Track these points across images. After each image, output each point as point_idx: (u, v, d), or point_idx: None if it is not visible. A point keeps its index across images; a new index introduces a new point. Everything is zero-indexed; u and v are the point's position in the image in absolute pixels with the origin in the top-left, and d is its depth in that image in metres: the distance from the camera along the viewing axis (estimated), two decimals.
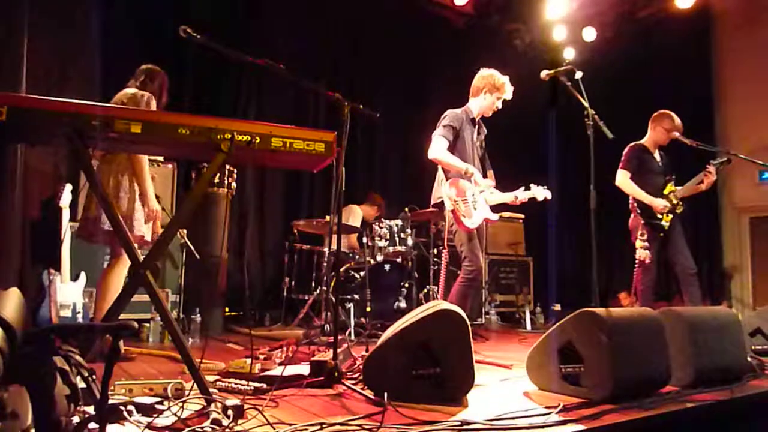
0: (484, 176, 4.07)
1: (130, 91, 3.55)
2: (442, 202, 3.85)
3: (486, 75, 4.03)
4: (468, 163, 3.89)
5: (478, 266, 3.77)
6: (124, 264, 3.43)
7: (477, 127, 4.10)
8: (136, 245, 2.31)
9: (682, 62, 7.09)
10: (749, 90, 6.84)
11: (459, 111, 4.01)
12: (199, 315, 4.35)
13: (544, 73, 3.57)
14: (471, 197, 3.84)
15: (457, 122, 3.92)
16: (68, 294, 3.86)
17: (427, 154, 3.90)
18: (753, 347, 3.32)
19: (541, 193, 4.16)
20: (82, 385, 1.58)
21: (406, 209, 5.20)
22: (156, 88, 3.67)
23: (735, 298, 6.73)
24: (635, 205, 4.50)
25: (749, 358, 2.97)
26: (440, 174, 3.99)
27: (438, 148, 3.83)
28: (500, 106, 4.07)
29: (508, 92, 4.02)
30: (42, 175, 4.46)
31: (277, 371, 2.68)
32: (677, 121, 4.55)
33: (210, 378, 2.55)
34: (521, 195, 4.09)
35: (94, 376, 1.65)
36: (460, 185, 3.85)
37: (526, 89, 4.35)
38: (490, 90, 3.98)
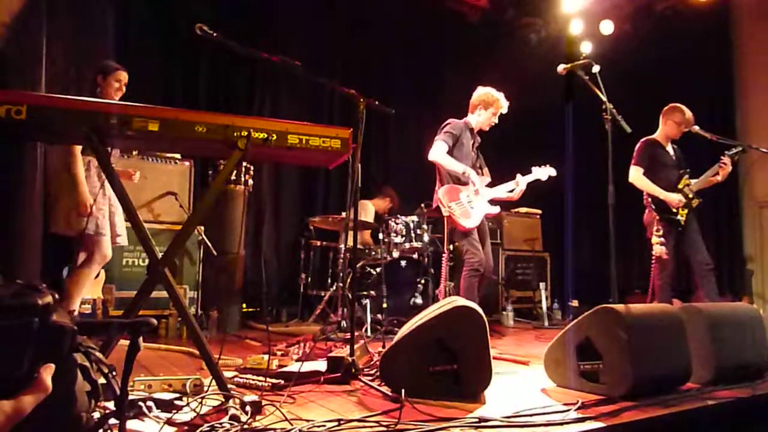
0: (481, 175, 4.30)
1: None
2: (440, 207, 4.09)
3: (481, 93, 4.33)
4: (466, 164, 4.14)
5: (479, 257, 3.98)
6: (97, 265, 3.54)
7: (474, 137, 4.36)
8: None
9: (701, 56, 6.97)
10: None
11: (460, 121, 4.29)
12: (216, 311, 4.38)
13: (561, 67, 3.54)
14: (466, 198, 4.07)
15: (458, 130, 4.20)
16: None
17: (428, 156, 4.15)
18: None
19: (544, 172, 4.41)
20: (102, 381, 1.60)
21: (422, 205, 5.19)
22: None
23: (756, 293, 6.62)
24: (650, 200, 4.44)
25: None
26: (438, 180, 4.24)
27: (438, 151, 4.09)
28: (496, 121, 4.34)
29: (504, 107, 4.30)
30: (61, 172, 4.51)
31: (294, 367, 2.69)
32: (688, 114, 4.49)
33: (228, 374, 2.57)
34: (522, 182, 4.30)
35: (114, 373, 1.66)
36: (452, 191, 4.09)
37: (543, 83, 4.35)
38: (485, 106, 4.27)
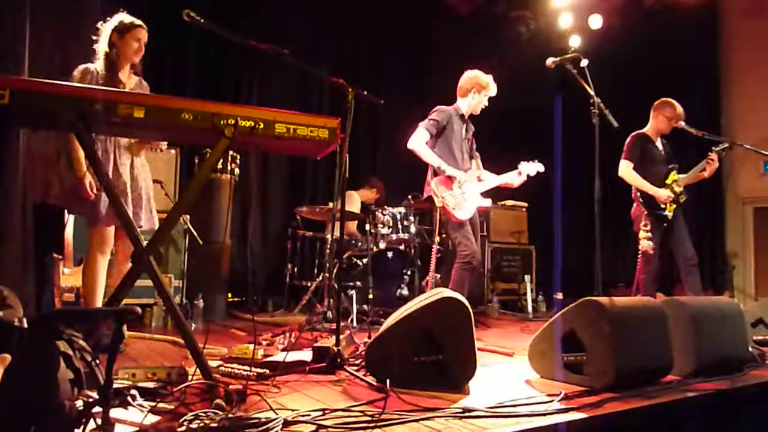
0: (470, 166, 4.26)
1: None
2: (432, 197, 4.05)
3: (472, 76, 4.24)
4: (455, 156, 4.12)
5: (472, 250, 3.95)
6: (98, 255, 3.12)
7: (465, 124, 4.30)
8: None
9: (689, 51, 7.02)
10: (756, 79, 6.79)
11: (449, 107, 4.23)
12: (202, 300, 4.36)
13: (549, 61, 3.55)
14: (458, 189, 4.02)
15: (445, 118, 4.14)
16: (72, 279, 3.87)
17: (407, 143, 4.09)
18: (754, 338, 3.32)
19: (532, 168, 4.37)
20: (85, 369, 1.59)
21: (410, 197, 5.20)
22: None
23: (737, 288, 6.72)
24: (638, 195, 4.47)
25: (751, 349, 2.97)
26: (430, 169, 4.16)
27: (418, 138, 4.05)
28: (486, 104, 4.28)
29: (493, 90, 4.25)
30: (45, 158, 4.45)
31: (279, 357, 2.69)
32: (679, 108, 4.52)
33: (213, 363, 2.56)
34: (517, 180, 4.32)
35: (97, 361, 1.65)
36: (446, 180, 4.03)
37: (531, 77, 4.35)
38: (478, 90, 4.21)
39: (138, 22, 3.17)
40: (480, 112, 4.33)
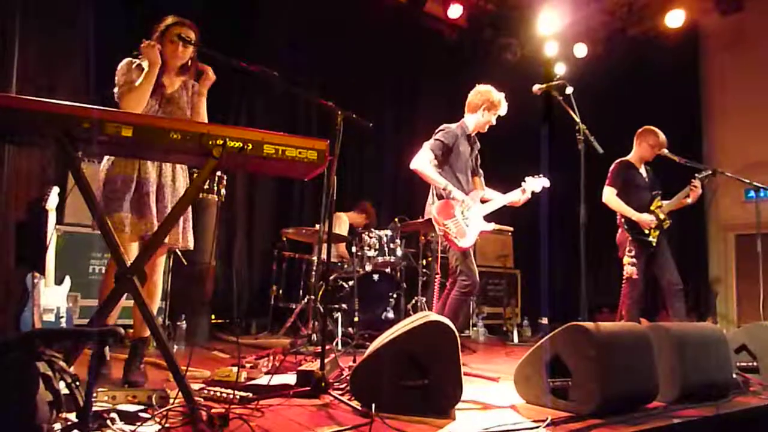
0: (473, 188, 4.08)
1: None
2: (431, 221, 3.86)
3: (483, 91, 4.04)
4: (461, 177, 3.93)
5: (474, 281, 3.80)
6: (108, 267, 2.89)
7: (472, 143, 4.12)
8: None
9: (671, 80, 7.18)
10: (736, 109, 6.94)
11: (455, 126, 4.04)
12: (185, 322, 4.31)
13: (536, 88, 3.60)
14: (461, 215, 3.82)
15: (452, 138, 3.95)
16: (52, 298, 3.81)
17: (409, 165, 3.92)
18: (738, 364, 3.34)
19: (538, 184, 4.17)
20: (65, 391, 1.55)
21: (396, 220, 5.21)
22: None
23: (720, 314, 6.77)
24: (623, 221, 4.53)
25: (735, 375, 2.98)
26: (432, 192, 3.99)
27: (422, 159, 3.86)
28: (494, 122, 4.10)
29: (504, 109, 4.06)
30: (29, 176, 4.41)
31: (263, 380, 2.65)
32: (662, 136, 4.60)
33: (195, 386, 2.52)
34: (522, 198, 4.10)
35: (77, 383, 1.62)
36: (446, 207, 3.82)
37: (518, 103, 4.38)
38: (489, 107, 4.00)
39: (175, 20, 2.90)
40: (487, 129, 4.13)
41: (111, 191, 2.73)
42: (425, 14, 7.35)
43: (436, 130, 4.02)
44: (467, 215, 3.84)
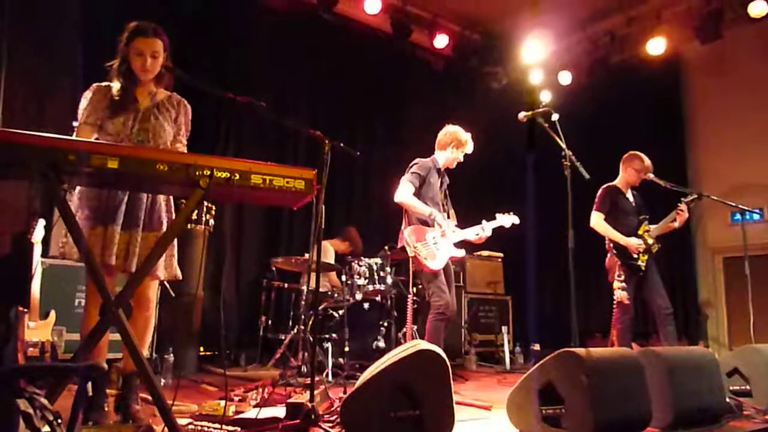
0: (447, 217, 4.28)
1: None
2: (405, 247, 4.04)
3: (452, 132, 4.33)
4: (434, 206, 4.14)
5: (446, 300, 3.93)
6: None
7: (442, 177, 4.37)
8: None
9: (655, 106, 7.32)
10: (719, 132, 7.06)
11: (427, 160, 4.31)
12: (172, 354, 4.24)
13: (521, 115, 3.65)
14: (432, 240, 4.03)
15: (425, 170, 4.20)
16: (37, 332, 3.74)
17: (393, 196, 4.12)
18: (731, 388, 3.33)
19: (508, 220, 4.42)
20: (46, 429, 1.51)
21: (386, 247, 5.19)
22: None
23: (711, 338, 6.78)
24: (611, 245, 4.55)
25: (727, 399, 2.97)
26: (405, 219, 4.20)
27: (404, 191, 4.08)
28: (462, 159, 4.37)
29: (470, 147, 4.35)
30: (14, 209, 4.37)
31: (252, 414, 2.61)
32: (647, 161, 4.66)
33: (182, 421, 2.46)
34: (487, 227, 4.29)
35: (59, 420, 1.58)
36: (419, 231, 4.05)
37: (504, 130, 4.45)
38: (456, 146, 4.30)
39: (137, 30, 2.67)
40: (455, 165, 4.40)
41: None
42: (411, 43, 7.47)
43: (410, 164, 4.25)
44: (438, 240, 4.04)
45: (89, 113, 2.68)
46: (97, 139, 2.65)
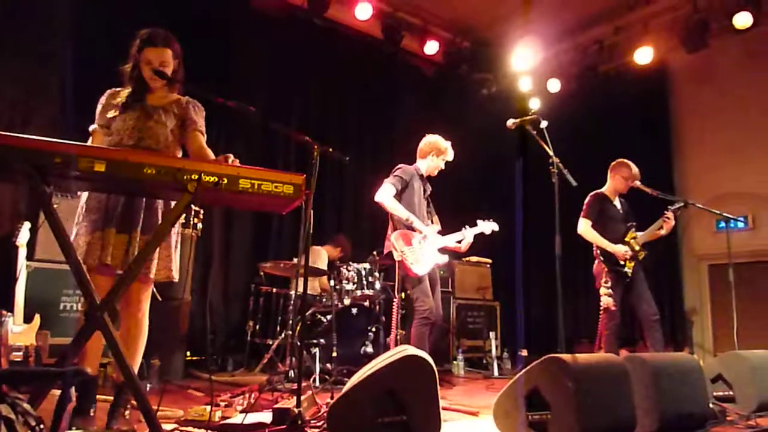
0: (429, 222, 4.34)
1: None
2: (391, 252, 4.07)
3: (432, 141, 4.42)
4: (415, 211, 4.18)
5: (429, 305, 3.96)
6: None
7: (424, 184, 4.43)
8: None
9: (642, 114, 7.38)
10: (705, 141, 7.13)
11: (410, 167, 4.37)
12: (158, 359, 4.21)
13: (510, 122, 3.67)
14: (417, 244, 4.07)
15: (408, 175, 4.27)
16: (21, 337, 3.70)
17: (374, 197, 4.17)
18: (714, 393, 3.36)
19: (488, 226, 4.48)
20: None
21: (375, 253, 5.19)
22: None
23: (696, 344, 6.83)
24: (599, 252, 4.59)
25: (711, 405, 3.00)
26: (391, 225, 4.23)
27: (385, 192, 4.13)
28: (443, 167, 4.45)
29: (450, 155, 4.44)
30: None
31: (238, 419, 2.60)
32: (635, 169, 4.71)
33: (167, 426, 2.45)
34: (468, 234, 4.35)
35: (42, 426, 1.56)
36: (405, 236, 4.08)
37: (493, 137, 4.48)
38: (436, 154, 4.40)
39: (147, 39, 2.73)
40: (441, 172, 4.47)
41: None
42: (402, 49, 7.50)
43: (394, 169, 4.30)
44: (423, 245, 4.08)
45: (99, 116, 2.78)
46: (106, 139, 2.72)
